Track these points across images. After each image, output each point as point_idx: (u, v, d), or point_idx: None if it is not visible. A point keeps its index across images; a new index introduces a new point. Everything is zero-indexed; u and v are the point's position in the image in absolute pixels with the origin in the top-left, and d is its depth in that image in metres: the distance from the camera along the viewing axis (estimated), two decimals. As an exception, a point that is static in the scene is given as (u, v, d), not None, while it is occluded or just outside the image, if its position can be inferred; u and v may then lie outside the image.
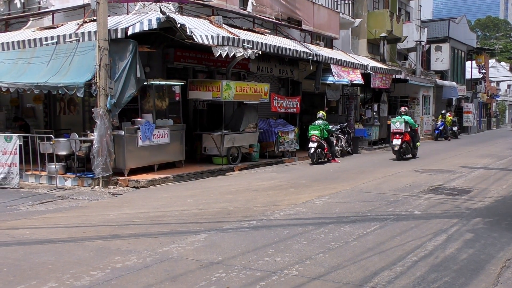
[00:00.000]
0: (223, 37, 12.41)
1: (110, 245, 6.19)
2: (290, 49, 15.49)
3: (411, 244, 6.13)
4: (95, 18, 11.93)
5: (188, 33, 11.57)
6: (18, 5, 15.56)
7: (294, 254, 5.71)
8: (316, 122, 15.92)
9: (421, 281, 4.82)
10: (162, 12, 11.78)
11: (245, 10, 16.43)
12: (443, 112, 30.11)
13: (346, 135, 18.51)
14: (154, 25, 11.32)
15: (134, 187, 10.98)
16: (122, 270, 5.22)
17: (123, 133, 11.49)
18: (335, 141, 16.98)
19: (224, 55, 12.44)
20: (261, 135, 15.45)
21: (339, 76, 17.98)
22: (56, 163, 11.52)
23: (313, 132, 15.50)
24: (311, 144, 15.35)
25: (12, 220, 7.99)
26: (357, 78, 18.96)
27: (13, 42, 13.21)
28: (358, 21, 26.22)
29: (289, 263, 5.37)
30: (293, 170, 14.09)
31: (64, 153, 11.72)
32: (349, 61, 19.14)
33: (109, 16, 11.44)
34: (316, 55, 16.84)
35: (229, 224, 7.21)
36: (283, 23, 18.05)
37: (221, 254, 5.70)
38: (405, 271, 5.13)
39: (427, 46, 35.26)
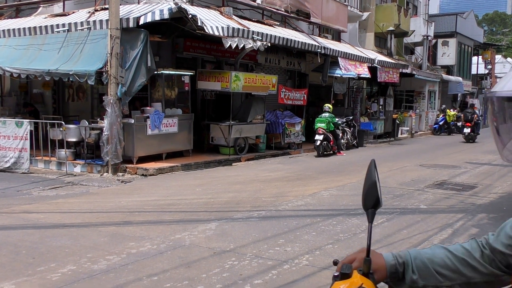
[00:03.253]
0: (233, 28, 12.51)
1: (123, 231, 6.36)
2: (298, 41, 15.59)
3: (418, 238, 6.27)
4: (106, 6, 12.03)
5: (199, 24, 11.66)
6: (29, -9, 15.63)
7: (303, 244, 5.86)
8: (323, 114, 16.03)
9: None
10: (174, 3, 11.85)
11: (254, 1, 16.51)
12: (443, 107, 30.07)
13: (352, 128, 18.62)
14: (166, 15, 11.42)
15: (142, 175, 11.14)
16: (137, 255, 5.38)
17: (132, 121, 11.63)
18: (341, 134, 17.10)
19: (234, 46, 12.54)
20: (268, 127, 15.58)
21: (346, 70, 18.06)
22: (66, 149, 11.68)
23: (320, 125, 15.62)
24: (317, 137, 15.47)
25: (25, 204, 8.16)
26: (364, 71, 19.04)
27: (24, 29, 13.32)
28: (366, 14, 26.23)
29: (299, 253, 5.52)
30: (299, 162, 14.23)
31: (73, 139, 11.87)
32: (356, 55, 19.21)
33: (120, 5, 11.52)
34: (324, 48, 16.92)
35: (238, 214, 7.36)
36: (291, 15, 18.11)
37: (233, 243, 5.85)
38: (411, 263, 5.27)
39: (434, 41, 35.22)
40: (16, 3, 15.93)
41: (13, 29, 13.54)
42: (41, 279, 4.70)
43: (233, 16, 13.89)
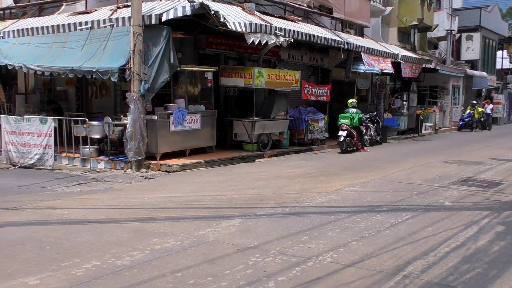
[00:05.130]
0: (255, 24, 12.43)
1: (147, 227, 6.35)
2: (321, 37, 15.45)
3: (443, 235, 6.13)
4: (128, 3, 12.06)
5: (222, 20, 11.61)
6: (52, -10, 15.78)
7: (327, 241, 5.78)
8: (349, 110, 15.88)
9: (454, 272, 4.84)
10: (189, 1, 11.79)
11: (276, -3, 16.38)
12: (474, 102, 29.51)
13: (375, 124, 18.41)
14: (188, 12, 11.40)
15: (166, 171, 11.16)
16: (161, 251, 5.36)
17: (156, 118, 11.66)
18: (364, 130, 16.91)
19: (256, 42, 12.47)
20: (291, 123, 15.49)
21: (370, 65, 17.84)
22: (90, 146, 11.77)
23: (343, 121, 15.47)
24: (340, 133, 15.33)
25: (49, 200, 8.23)
26: (388, 67, 18.79)
27: (47, 27, 13.45)
28: (388, 9, 25.89)
29: (323, 250, 5.43)
30: (323, 158, 14.11)
31: (97, 136, 11.96)
32: (379, 50, 18.97)
33: (142, 2, 11.54)
34: (347, 43, 16.74)
35: (262, 210, 7.30)
36: (314, 10, 17.96)
37: (256, 239, 5.80)
38: (437, 261, 5.15)
39: (457, 35, 34.60)
40: (39, 1, 16.10)
41: (37, 28, 13.68)
42: (65, 274, 4.71)
43: (256, 12, 13.81)
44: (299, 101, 16.76)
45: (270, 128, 14.42)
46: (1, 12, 16.83)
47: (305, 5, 17.44)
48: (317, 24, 17.87)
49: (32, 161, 11.73)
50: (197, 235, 5.97)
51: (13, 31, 14.18)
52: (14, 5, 16.39)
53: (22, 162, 11.86)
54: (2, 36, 14.32)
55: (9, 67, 13.14)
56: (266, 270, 4.79)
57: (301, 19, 16.80)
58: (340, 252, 5.39)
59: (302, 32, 14.36)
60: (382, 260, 5.14)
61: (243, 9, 13.45)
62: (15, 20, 15.29)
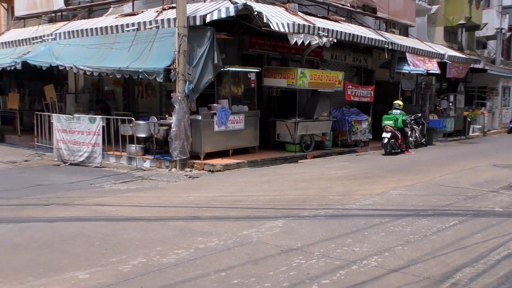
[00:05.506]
0: (298, 24, 12.41)
1: (191, 226, 6.45)
2: (365, 37, 15.27)
3: (493, 242, 5.95)
4: (173, 5, 12.26)
5: (265, 20, 11.65)
6: (101, -7, 16.22)
7: (372, 245, 5.71)
8: (393, 111, 15.63)
9: (505, 281, 4.69)
10: (233, 2, 11.86)
11: (320, -3, 16.29)
12: None
13: (420, 126, 18.03)
14: (232, 13, 11.49)
15: (209, 170, 11.29)
16: (205, 250, 5.43)
17: (200, 118, 11.81)
18: (409, 132, 16.60)
19: (299, 42, 12.45)
20: (334, 124, 15.37)
21: (415, 65, 17.50)
22: (136, 145, 12.04)
23: (387, 122, 15.24)
24: (384, 134, 15.11)
25: (98, 197, 8.47)
26: (433, 67, 18.38)
27: (96, 28, 13.84)
28: (434, 7, 25.30)
29: (367, 254, 5.38)
30: (366, 160, 13.95)
31: (143, 135, 12.21)
32: (425, 50, 18.58)
33: (187, 3, 11.71)
34: (392, 43, 16.48)
35: (305, 212, 7.29)
36: (357, 10, 17.76)
37: (300, 241, 5.79)
38: (487, 269, 5.00)
39: (508, 34, 33.44)
40: (88, 4, 16.57)
41: (86, 29, 14.10)
42: (113, 270, 4.84)
43: (298, 12, 13.78)
44: (342, 102, 16.61)
45: (313, 129, 14.36)
46: (53, 14, 17.42)
47: (348, 5, 17.27)
48: (361, 24, 17.67)
49: (81, 159, 12.09)
50: (241, 235, 6.02)
51: (64, 33, 14.66)
52: (65, 7, 16.92)
53: (72, 159, 12.25)
54: (54, 38, 14.83)
55: (61, 68, 13.60)
56: (309, 273, 4.79)
57: (344, 19, 16.65)
58: (385, 256, 5.32)
59: (345, 32, 14.24)
60: (429, 266, 5.04)
61: (286, 9, 13.45)
62: (66, 22, 15.80)
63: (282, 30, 11.94)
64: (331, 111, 15.17)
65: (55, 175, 10.87)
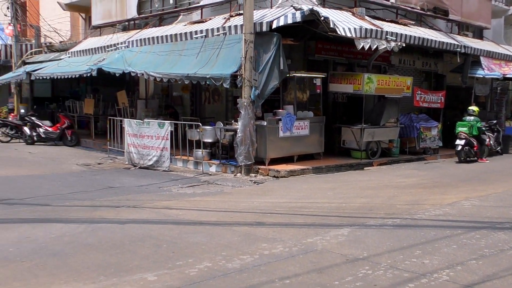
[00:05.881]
0: (365, 29, 12.21)
1: (256, 232, 6.47)
2: (435, 40, 14.79)
3: None
4: (240, 12, 12.41)
5: (331, 25, 11.55)
6: (171, 1, 16.69)
7: (443, 257, 5.49)
8: (467, 118, 15.00)
9: None
10: (296, 8, 11.81)
11: (388, 1, 15.94)
12: None
13: (495, 133, 17.15)
14: (298, 18, 11.49)
15: (274, 176, 11.30)
16: (270, 257, 5.43)
17: (265, 123, 11.87)
18: (487, 139, 15.84)
19: (366, 47, 12.23)
20: (401, 130, 14.96)
21: (490, 69, 16.74)
22: (203, 150, 12.26)
23: (461, 129, 14.64)
24: (458, 141, 14.52)
25: (166, 200, 8.70)
26: (511, 71, 17.48)
27: (166, 36, 14.26)
28: (512, 8, 24.07)
29: (438, 267, 5.17)
30: (436, 168, 13.46)
31: (209, 140, 12.42)
32: (501, 53, 17.75)
33: (254, 10, 11.81)
34: (464, 46, 15.86)
35: (371, 221, 7.13)
36: (428, 13, 17.20)
37: (366, 251, 5.67)
38: None
39: None
40: (159, 12, 17.09)
41: (157, 37, 14.57)
42: (180, 273, 4.94)
43: (366, 16, 13.54)
44: (411, 108, 16.14)
45: (379, 136, 14.05)
46: (127, 23, 18.12)
47: (418, 7, 16.76)
48: (431, 27, 17.11)
49: (150, 163, 12.48)
50: (305, 243, 5.97)
51: (136, 40, 15.22)
52: (137, 16, 17.55)
53: (141, 163, 12.66)
54: (126, 46, 15.43)
55: (132, 74, 14.11)
56: (376, 284, 4.67)
57: (413, 22, 16.18)
58: (457, 270, 5.10)
59: (414, 36, 13.85)
60: (507, 283, 4.77)
61: (353, 14, 13.26)
62: (138, 30, 16.38)
63: (348, 35, 11.79)
64: (399, 117, 14.77)
65: (125, 178, 11.27)
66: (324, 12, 11.85)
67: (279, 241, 6.01)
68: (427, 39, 14.43)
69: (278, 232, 6.44)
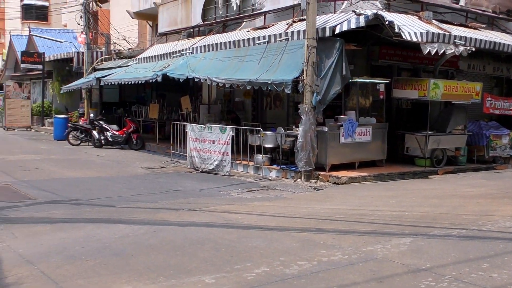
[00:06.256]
0: (432, 33, 11.83)
1: (315, 238, 6.40)
2: (508, 44, 14.12)
3: None
4: (303, 17, 12.38)
5: (396, 30, 11.29)
6: (235, 8, 16.92)
7: (513, 271, 5.20)
8: None
9: None
10: (357, 14, 11.63)
11: (457, 4, 15.43)
12: None
13: None
14: (362, 23, 11.31)
15: (334, 183, 11.16)
16: (328, 264, 5.35)
17: (326, 129, 11.76)
18: None
19: (433, 52, 11.85)
20: (469, 138, 14.37)
21: None
22: (263, 155, 12.31)
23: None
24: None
25: (225, 204, 8.79)
26: None
27: (229, 42, 14.47)
28: None
29: (508, 281, 4.89)
30: (507, 178, 12.80)
31: (270, 145, 12.45)
32: None
33: (317, 15, 11.76)
34: (540, 51, 15.03)
35: (435, 230, 6.86)
36: (500, 16, 16.48)
37: (429, 261, 5.46)
38: None
39: None
40: (223, 19, 17.37)
41: (220, 43, 14.82)
42: (237, 277, 4.96)
43: (433, 20, 13.14)
44: (480, 115, 15.48)
45: (445, 143, 13.56)
46: (191, 30, 18.55)
47: (490, 10, 16.09)
48: (504, 31, 16.36)
49: (211, 167, 12.67)
50: (365, 251, 5.84)
51: (200, 47, 15.54)
52: (202, 23, 17.93)
53: (203, 167, 12.88)
54: (191, 52, 15.80)
55: (196, 80, 14.43)
56: (439, 296, 4.49)
57: (484, 26, 15.54)
58: (528, 285, 4.81)
59: (485, 40, 13.28)
60: None
61: (420, 18, 12.90)
62: (202, 37, 16.72)
63: (414, 39, 11.47)
64: (467, 124, 14.20)
65: (187, 181, 11.50)
66: (388, 16, 11.61)
67: (338, 248, 5.91)
68: (499, 43, 13.82)
69: (337, 239, 6.34)
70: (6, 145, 18.92)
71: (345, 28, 11.36)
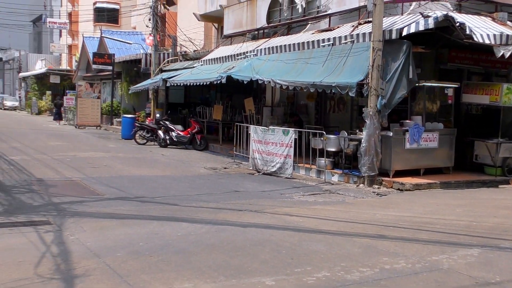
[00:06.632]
0: (507, 35, 11.29)
1: (377, 245, 6.27)
2: None
3: None
4: (369, 19, 12.18)
5: (467, 32, 10.86)
6: (300, 10, 16.88)
7: None
8: None
9: None
10: (425, 15, 11.26)
11: (535, 4, 14.63)
12: None
13: None
14: (431, 25, 10.97)
15: (398, 189, 10.89)
16: (391, 272, 5.23)
17: (391, 134, 11.50)
18: None
19: (507, 55, 11.31)
20: (546, 146, 13.59)
21: None
22: (326, 158, 12.20)
23: None
24: None
25: (287, 207, 8.79)
26: None
27: (293, 44, 14.47)
28: None
29: None
30: None
31: (333, 149, 12.32)
32: None
33: (383, 17, 11.53)
34: None
35: (506, 243, 6.54)
36: None
37: (499, 275, 5.22)
38: None
39: None
40: (287, 21, 17.39)
41: (284, 45, 14.84)
42: (297, 280, 4.95)
43: (508, 22, 12.55)
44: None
45: (518, 151, 12.91)
46: (256, 32, 18.71)
47: None
48: None
49: (273, 169, 12.70)
50: (430, 260, 5.65)
51: (265, 49, 15.64)
52: (267, 25, 18.04)
53: (265, 169, 12.93)
54: (255, 54, 15.93)
55: (260, 82, 14.51)
56: (510, 312, 4.28)
57: None
58: None
59: None
60: None
61: (493, 19, 12.35)
62: (267, 39, 16.82)
63: (487, 41, 11.00)
64: (543, 131, 13.44)
65: (249, 183, 11.59)
66: (459, 17, 11.20)
67: (402, 256, 5.76)
68: None
69: (400, 247, 6.18)
70: (77, 143, 19.82)
71: (412, 30, 11.07)
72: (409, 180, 11.19)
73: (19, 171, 11.86)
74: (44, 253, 5.66)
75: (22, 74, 53.40)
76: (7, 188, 9.72)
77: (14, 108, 52.25)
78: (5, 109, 51.21)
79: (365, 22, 12.81)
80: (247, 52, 16.62)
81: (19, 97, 55.69)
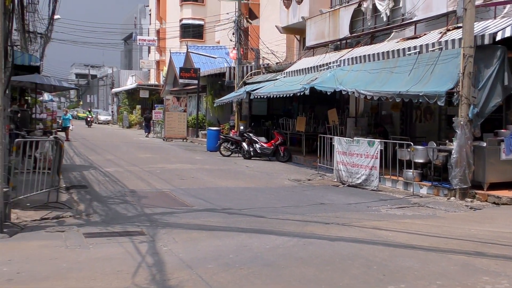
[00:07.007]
0: None
1: (475, 262, 5.95)
2: None
3: None
4: (459, 25, 11.71)
5: None
6: (384, 19, 16.53)
7: None
8: None
9: None
10: None
11: None
12: None
13: None
14: (530, 28, 10.36)
15: (494, 203, 10.28)
16: (492, 292, 4.94)
17: (484, 144, 10.91)
18: None
19: None
20: None
21: None
22: (413, 170, 11.79)
23: None
24: None
25: (374, 220, 8.57)
26: None
27: (377, 54, 14.20)
28: None
29: None
30: None
31: (421, 160, 11.88)
32: None
33: (475, 21, 11.03)
34: None
35: None
36: None
37: None
38: None
39: None
40: (371, 30, 17.09)
41: (368, 55, 14.60)
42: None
43: None
44: None
45: None
46: (338, 42, 18.56)
47: None
48: None
49: (358, 181, 12.47)
50: (536, 281, 5.27)
51: (348, 59, 15.47)
52: (349, 35, 17.83)
53: (350, 181, 12.73)
54: (338, 64, 15.79)
55: (343, 92, 14.36)
56: None
57: None
58: None
59: None
60: None
61: None
62: (350, 49, 16.63)
63: None
64: None
65: (334, 195, 11.45)
66: (562, 19, 10.49)
67: (504, 276, 5.42)
68: None
69: (501, 265, 5.82)
70: (165, 155, 20.59)
71: (508, 34, 10.49)
72: (506, 193, 10.53)
73: (114, 182, 12.52)
74: (140, 263, 5.89)
75: (114, 90, 56.62)
76: (104, 199, 10.28)
77: (107, 122, 55.54)
78: (99, 123, 54.54)
79: (454, 28, 12.32)
80: (329, 63, 16.52)
81: (112, 111, 59.10)
